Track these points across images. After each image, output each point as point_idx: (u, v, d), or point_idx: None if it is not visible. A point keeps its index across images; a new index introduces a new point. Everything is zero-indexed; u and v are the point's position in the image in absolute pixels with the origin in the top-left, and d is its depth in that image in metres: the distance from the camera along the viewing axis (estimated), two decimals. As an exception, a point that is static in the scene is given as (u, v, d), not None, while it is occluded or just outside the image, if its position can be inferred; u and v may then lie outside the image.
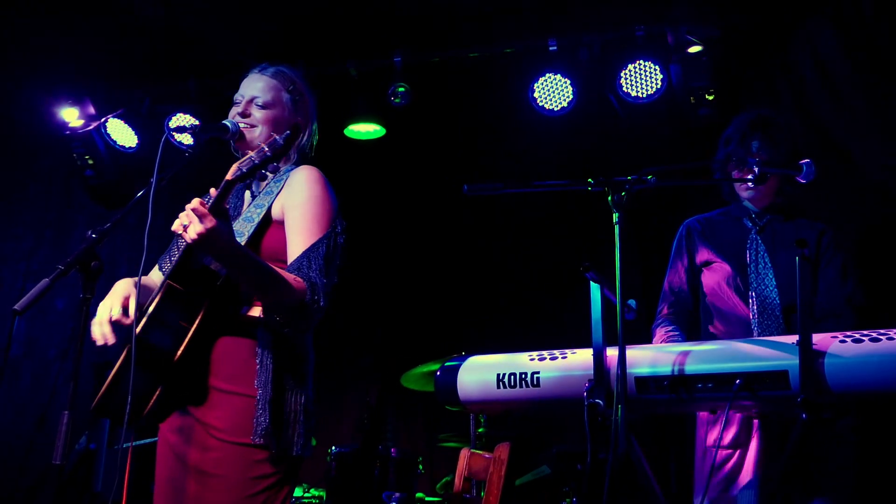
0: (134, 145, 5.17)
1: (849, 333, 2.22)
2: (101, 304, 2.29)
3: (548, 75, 4.56)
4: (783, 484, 2.46)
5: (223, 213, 2.09)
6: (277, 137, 2.07)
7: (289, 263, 2.22)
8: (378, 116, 4.92)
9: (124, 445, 2.23)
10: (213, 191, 2.27)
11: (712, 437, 2.79)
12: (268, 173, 2.20)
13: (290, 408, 2.22)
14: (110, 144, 5.17)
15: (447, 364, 2.86)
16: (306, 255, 2.20)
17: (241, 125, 2.37)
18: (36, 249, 5.19)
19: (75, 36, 4.76)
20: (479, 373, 2.74)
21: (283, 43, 4.81)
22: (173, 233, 2.42)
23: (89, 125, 5.06)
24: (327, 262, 2.23)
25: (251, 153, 2.07)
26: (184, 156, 2.31)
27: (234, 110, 2.42)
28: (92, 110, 5.08)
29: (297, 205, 2.28)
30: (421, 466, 4.33)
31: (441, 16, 4.67)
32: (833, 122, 3.93)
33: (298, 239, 2.24)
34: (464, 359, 2.85)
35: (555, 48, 4.56)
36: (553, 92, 4.59)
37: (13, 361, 5.01)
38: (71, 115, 5.07)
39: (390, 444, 4.39)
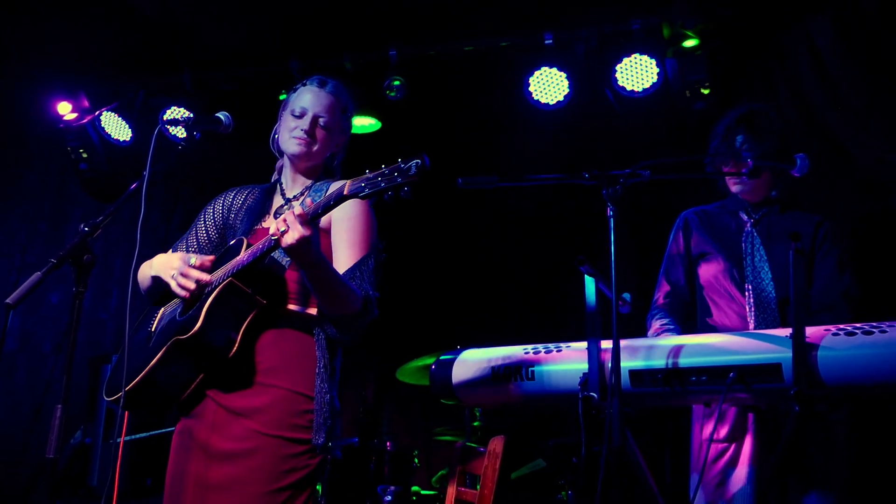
0: (128, 139, 5.15)
1: (842, 326, 2.23)
2: (167, 260, 2.38)
3: (543, 69, 4.55)
4: (777, 477, 2.46)
5: (318, 223, 2.16)
6: (403, 164, 1.98)
7: (340, 274, 2.28)
8: (373, 110, 4.92)
9: (117, 440, 2.24)
10: (308, 200, 2.33)
11: (707, 430, 2.79)
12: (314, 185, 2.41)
13: (334, 409, 2.29)
14: (105, 138, 5.14)
15: (442, 358, 2.87)
16: (357, 267, 2.31)
17: (296, 141, 2.44)
18: (30, 243, 5.18)
19: (70, 29, 4.74)
20: (474, 366, 2.75)
21: (278, 36, 4.79)
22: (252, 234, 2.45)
23: (83, 118, 5.04)
24: (375, 276, 2.34)
25: (369, 173, 2.02)
26: (177, 149, 2.31)
27: (296, 123, 2.47)
28: (86, 103, 5.07)
29: (345, 219, 2.36)
30: (416, 460, 4.33)
31: (436, 9, 4.65)
32: (830, 116, 3.92)
33: (348, 252, 2.33)
34: (459, 352, 2.85)
35: (550, 42, 4.55)
36: (549, 86, 4.58)
37: (8, 356, 5.00)
38: (65, 109, 5.05)
39: (386, 437, 4.39)
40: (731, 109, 3.08)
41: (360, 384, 5.35)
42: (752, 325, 2.83)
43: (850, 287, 2.84)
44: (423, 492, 4.27)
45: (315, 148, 2.47)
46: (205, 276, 2.25)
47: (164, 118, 4.86)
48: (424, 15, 4.70)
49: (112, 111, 5.09)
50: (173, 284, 2.28)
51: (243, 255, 2.21)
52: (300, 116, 2.47)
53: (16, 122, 5.18)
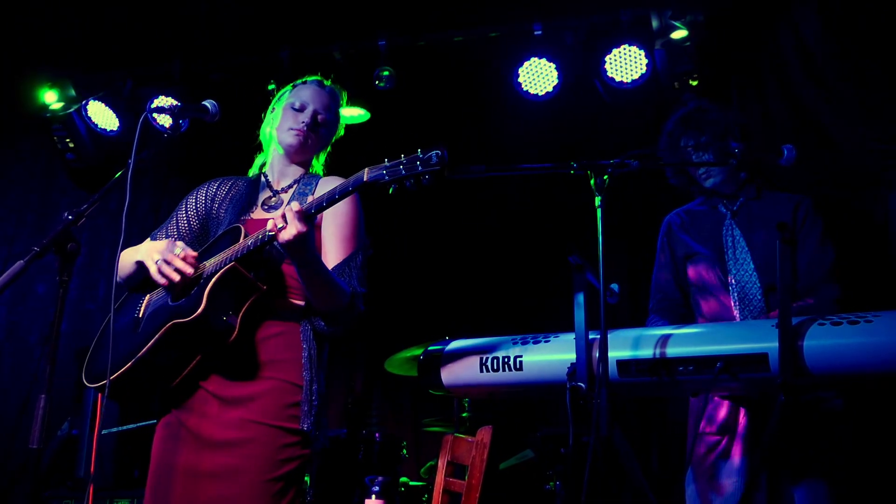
0: (116, 128, 5.10)
1: (828, 317, 2.25)
2: (153, 245, 2.36)
3: (533, 59, 4.54)
4: (764, 465, 2.47)
5: (313, 219, 2.18)
6: (423, 154, 2.03)
7: (329, 269, 2.32)
8: (362, 100, 4.90)
9: (103, 431, 2.22)
10: (310, 197, 2.39)
11: (701, 423, 2.80)
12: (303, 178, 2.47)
13: (322, 398, 2.32)
14: (91, 127, 5.10)
15: (431, 348, 2.87)
16: (346, 263, 2.37)
17: (295, 133, 2.50)
18: (17, 234, 5.14)
19: (56, 16, 4.70)
20: (462, 357, 2.75)
21: (267, 25, 4.77)
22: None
23: (70, 107, 5.00)
24: (363, 272, 2.40)
25: (388, 162, 2.05)
26: (163, 137, 2.30)
27: (297, 115, 2.53)
28: (73, 92, 5.03)
29: (336, 215, 2.41)
30: (405, 451, 4.33)
31: (426, -1, 4.65)
32: (817, 106, 3.93)
33: (338, 248, 2.39)
34: (447, 343, 2.85)
35: (540, 32, 4.54)
36: (538, 76, 4.58)
37: (-6, 346, 4.97)
38: (51, 97, 5.01)
39: (374, 428, 4.39)
40: (673, 112, 3.13)
41: (349, 375, 5.35)
42: (738, 319, 2.83)
43: (834, 263, 2.83)
44: (411, 482, 4.27)
45: (311, 141, 2.54)
46: (188, 269, 2.24)
47: (151, 107, 4.85)
48: (414, 5, 4.69)
49: (99, 100, 5.05)
50: (153, 269, 2.27)
51: (247, 241, 2.22)
52: (301, 110, 2.54)
53: (1, 112, 5.13)
